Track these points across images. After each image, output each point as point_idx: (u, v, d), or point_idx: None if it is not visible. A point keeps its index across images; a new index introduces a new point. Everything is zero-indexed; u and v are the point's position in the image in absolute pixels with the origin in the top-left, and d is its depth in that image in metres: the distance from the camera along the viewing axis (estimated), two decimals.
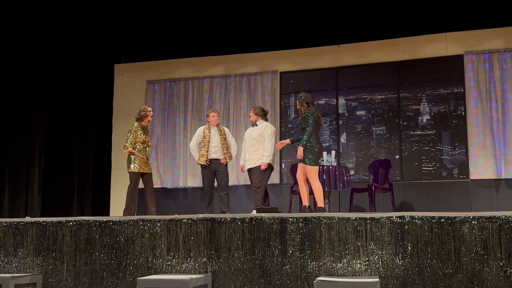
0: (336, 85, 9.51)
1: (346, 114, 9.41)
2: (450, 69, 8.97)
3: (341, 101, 9.45)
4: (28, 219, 5.39)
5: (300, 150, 6.24)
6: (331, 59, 9.56)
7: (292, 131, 9.58)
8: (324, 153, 7.66)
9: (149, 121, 7.46)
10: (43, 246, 5.18)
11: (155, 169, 9.82)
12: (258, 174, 7.11)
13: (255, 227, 4.79)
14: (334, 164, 7.45)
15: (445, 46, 9.05)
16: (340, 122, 9.41)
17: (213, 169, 7.44)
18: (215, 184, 7.51)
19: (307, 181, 6.35)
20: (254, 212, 6.67)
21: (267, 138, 7.17)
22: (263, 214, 4.87)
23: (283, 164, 9.53)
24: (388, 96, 9.25)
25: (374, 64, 9.34)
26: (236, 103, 9.80)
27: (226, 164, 7.55)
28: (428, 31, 9.09)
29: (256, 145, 7.19)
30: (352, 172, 9.02)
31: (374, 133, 9.24)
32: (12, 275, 4.91)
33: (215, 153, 7.47)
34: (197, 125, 9.13)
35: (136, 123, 7.29)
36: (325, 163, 7.54)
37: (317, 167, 6.30)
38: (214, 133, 7.53)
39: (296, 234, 4.68)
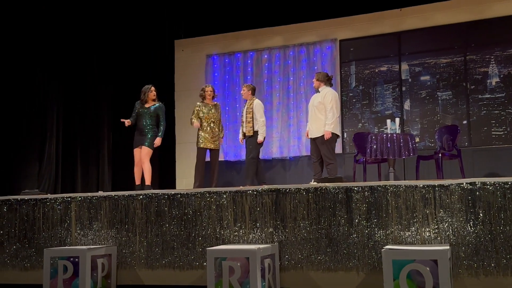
0: (398, 51, 9.24)
1: (410, 80, 9.15)
2: None
3: (404, 66, 9.18)
4: (101, 193, 5.61)
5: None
6: (392, 24, 9.27)
7: (354, 100, 9.43)
8: (388, 121, 7.52)
9: (213, 97, 7.59)
10: (116, 219, 5.39)
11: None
12: (323, 145, 6.96)
13: (320, 197, 4.78)
14: (398, 131, 7.28)
15: None
16: (404, 88, 9.17)
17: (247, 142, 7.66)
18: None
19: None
20: (313, 182, 6.67)
21: (328, 105, 6.97)
22: (327, 184, 4.85)
23: (345, 134, 9.43)
24: (454, 59, 8.91)
25: (438, 26, 8.99)
26: (295, 73, 9.72)
27: (250, 137, 7.57)
28: None
29: (317, 114, 7.03)
30: (417, 140, 8.81)
31: (439, 98, 8.95)
32: (88, 247, 5.16)
33: (245, 127, 7.63)
34: (258, 97, 9.13)
35: (199, 103, 7.56)
36: (389, 131, 7.39)
37: None
38: (243, 109, 7.70)
39: (362, 203, 4.64)
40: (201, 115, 7.45)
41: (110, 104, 10.05)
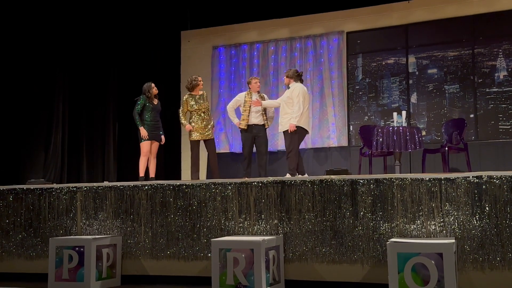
0: (406, 43, 9.18)
1: (417, 73, 9.10)
2: None
3: (411, 59, 9.13)
4: (106, 183, 5.63)
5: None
6: (400, 16, 9.21)
7: (360, 93, 9.39)
8: (394, 114, 7.49)
9: (200, 88, 7.48)
10: (121, 209, 5.41)
11: (223, 134, 9.96)
12: (287, 137, 7.01)
13: (325, 189, 4.77)
14: (405, 125, 7.25)
15: None
16: (410, 81, 9.12)
17: (254, 134, 7.42)
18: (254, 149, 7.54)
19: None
20: (288, 175, 6.67)
21: (295, 99, 6.97)
22: (333, 176, 4.84)
23: (351, 126, 9.40)
24: (462, 52, 8.84)
25: (446, 19, 8.92)
26: (302, 65, 9.68)
27: (265, 129, 7.53)
28: None
29: (285, 109, 7.05)
30: (423, 133, 8.77)
31: (447, 91, 8.90)
32: (94, 237, 5.18)
33: (256, 118, 7.43)
34: (263, 89, 9.10)
35: (186, 96, 7.39)
36: (395, 124, 7.36)
37: None
38: (255, 99, 7.51)
39: (367, 195, 4.63)
40: (190, 107, 7.34)
41: (116, 96, 10.06)
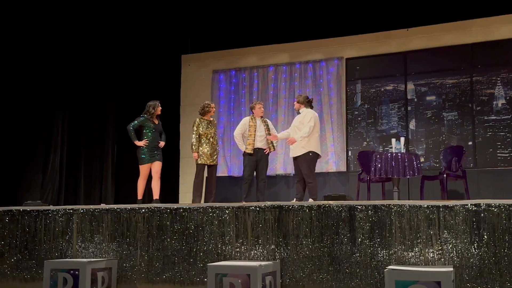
0: (404, 70, 9.26)
1: (415, 99, 9.16)
2: None
3: (410, 86, 9.19)
4: (103, 206, 5.61)
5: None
6: (399, 44, 9.31)
7: (359, 118, 9.43)
8: (393, 140, 7.52)
9: (211, 115, 7.67)
10: (117, 232, 5.38)
11: (222, 158, 9.97)
12: (304, 164, 7.03)
13: (323, 215, 4.76)
14: (403, 151, 7.26)
15: None
16: (409, 108, 9.16)
17: (257, 158, 7.56)
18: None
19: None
20: (311, 200, 6.71)
21: (306, 124, 7.07)
22: (331, 202, 4.83)
23: (349, 152, 9.41)
24: (460, 80, 8.91)
25: (445, 47, 9.01)
26: (301, 90, 9.74)
27: (268, 154, 7.70)
28: (503, 11, 8.65)
29: (298, 133, 7.13)
30: (422, 159, 8.78)
31: (445, 119, 8.94)
32: (89, 260, 5.13)
33: (260, 142, 7.59)
34: (264, 113, 9.13)
35: (198, 119, 7.55)
36: (393, 150, 7.38)
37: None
38: (259, 124, 7.68)
39: (365, 222, 4.62)
40: (201, 131, 7.49)
41: (115, 117, 10.08)
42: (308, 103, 7.32)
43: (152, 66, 10.51)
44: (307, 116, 7.14)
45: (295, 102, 7.39)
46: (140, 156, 7.30)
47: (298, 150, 7.11)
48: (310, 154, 7.04)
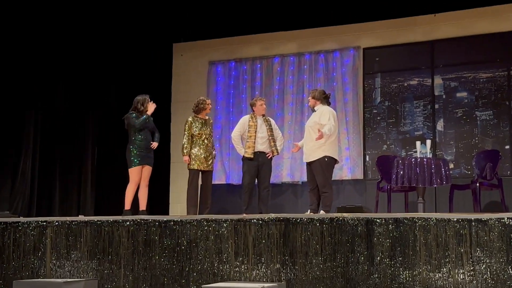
0: (431, 62, 9.25)
1: (444, 96, 9.16)
2: None
3: (438, 81, 9.19)
4: (81, 218, 5.62)
5: None
6: (425, 32, 9.31)
7: (378, 118, 9.43)
8: (417, 143, 7.52)
9: (207, 113, 7.65)
10: (98, 248, 5.39)
11: (219, 163, 9.97)
12: (319, 171, 7.02)
13: (337, 229, 4.76)
14: (430, 156, 7.26)
15: None
16: (436, 106, 9.16)
17: (259, 163, 7.55)
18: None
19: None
20: (322, 212, 6.69)
21: (326, 122, 6.99)
22: (345, 214, 4.83)
23: (367, 156, 9.41)
24: (496, 73, 8.91)
25: (478, 35, 9.00)
26: (311, 85, 9.74)
27: (271, 158, 7.68)
28: None
29: (312, 135, 7.07)
30: (451, 166, 8.77)
31: (478, 118, 8.93)
32: (65, 280, 5.15)
33: (262, 145, 7.59)
34: (267, 111, 9.15)
35: (191, 118, 7.53)
36: (418, 154, 7.38)
37: None
38: (260, 123, 7.67)
39: (385, 237, 4.62)
40: (194, 131, 7.46)
41: (96, 115, 10.08)
42: (325, 99, 7.28)
43: (139, 55, 10.49)
44: (324, 115, 7.08)
45: (310, 98, 7.34)
46: (130, 158, 7.22)
47: (312, 153, 7.07)
48: (326, 159, 7.00)
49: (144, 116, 7.22)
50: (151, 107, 7.32)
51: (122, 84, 10.22)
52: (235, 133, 7.76)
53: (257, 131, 7.60)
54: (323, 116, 7.05)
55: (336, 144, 7.31)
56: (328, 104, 7.32)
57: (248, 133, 7.60)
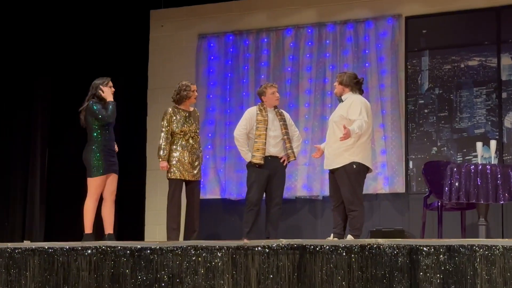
0: (497, 36, 9.27)
1: None
2: None
3: (506, 61, 9.20)
4: (27, 244, 5.64)
5: None
6: None
7: (426, 110, 9.44)
8: (479, 145, 7.51)
9: (192, 103, 7.58)
10: (49, 285, 5.41)
11: (212, 170, 9.99)
12: (344, 180, 7.01)
13: (370, 261, 4.78)
14: (495, 162, 7.27)
15: None
16: (504, 94, 9.17)
17: (270, 171, 7.55)
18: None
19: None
20: (350, 237, 6.70)
21: (356, 117, 6.91)
22: (381, 241, 4.85)
23: (410, 163, 9.42)
24: None
25: None
26: (336, 67, 9.77)
27: (286, 165, 7.68)
28: None
29: (337, 133, 7.05)
30: None
31: None
32: None
33: (275, 147, 7.60)
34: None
35: (170, 109, 7.48)
36: (479, 160, 7.38)
37: None
38: (272, 118, 7.65)
39: (434, 271, 4.64)
40: (175, 127, 7.40)
41: (49, 104, 10.10)
42: (357, 86, 7.24)
43: (104, 27, 10.50)
44: (354, 107, 7.02)
45: (336, 84, 7.31)
46: (90, 164, 7.03)
47: (336, 158, 7.04)
48: (355, 166, 6.99)
49: (111, 103, 7.02)
50: (108, 92, 7.09)
51: (82, 65, 10.22)
52: (240, 131, 7.70)
53: (268, 128, 7.55)
54: (352, 108, 7.01)
55: (369, 147, 7.27)
56: (361, 92, 7.29)
57: (257, 131, 7.56)
